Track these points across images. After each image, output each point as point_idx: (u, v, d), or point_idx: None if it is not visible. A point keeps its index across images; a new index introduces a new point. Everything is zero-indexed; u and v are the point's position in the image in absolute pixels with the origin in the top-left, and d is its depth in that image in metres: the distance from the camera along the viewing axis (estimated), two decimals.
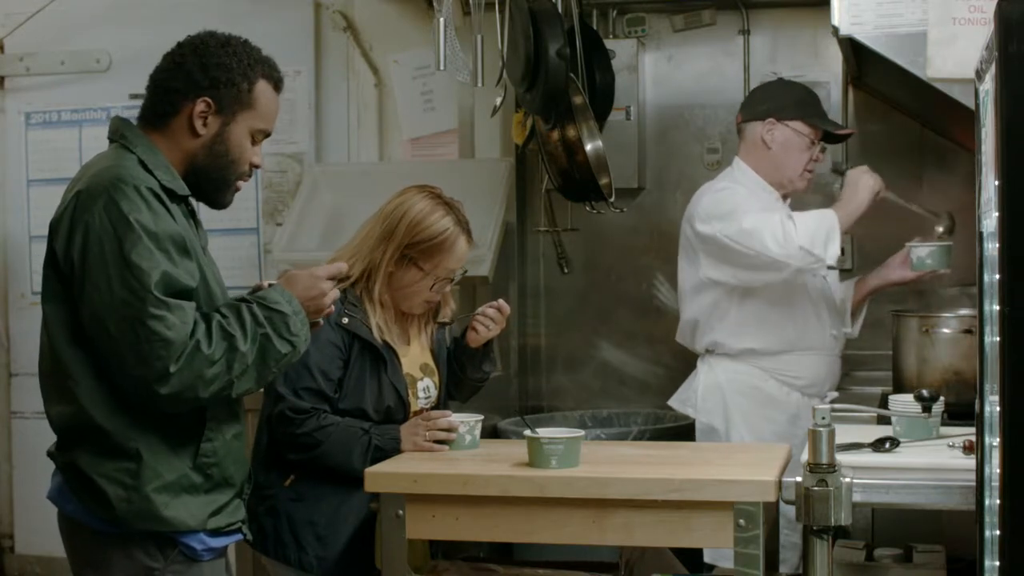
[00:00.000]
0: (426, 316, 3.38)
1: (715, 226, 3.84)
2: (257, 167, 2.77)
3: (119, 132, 2.71)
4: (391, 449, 3.14)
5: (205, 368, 2.50)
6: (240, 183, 2.77)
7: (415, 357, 3.34)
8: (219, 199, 2.75)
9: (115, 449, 2.56)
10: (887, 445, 2.92)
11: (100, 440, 2.56)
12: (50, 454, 2.69)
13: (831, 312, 4.06)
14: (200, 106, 2.66)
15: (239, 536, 2.77)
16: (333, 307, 2.75)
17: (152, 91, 2.72)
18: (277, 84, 2.77)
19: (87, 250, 2.51)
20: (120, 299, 2.48)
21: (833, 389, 4.08)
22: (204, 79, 2.66)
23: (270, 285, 2.69)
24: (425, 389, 3.33)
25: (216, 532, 2.68)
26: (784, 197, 4.04)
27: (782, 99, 4.03)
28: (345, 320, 3.17)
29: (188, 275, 2.57)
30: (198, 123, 2.67)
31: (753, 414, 3.95)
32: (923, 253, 3.92)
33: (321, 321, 2.75)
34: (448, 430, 3.17)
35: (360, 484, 2.96)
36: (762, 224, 3.75)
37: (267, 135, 2.77)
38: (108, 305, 2.49)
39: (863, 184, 3.84)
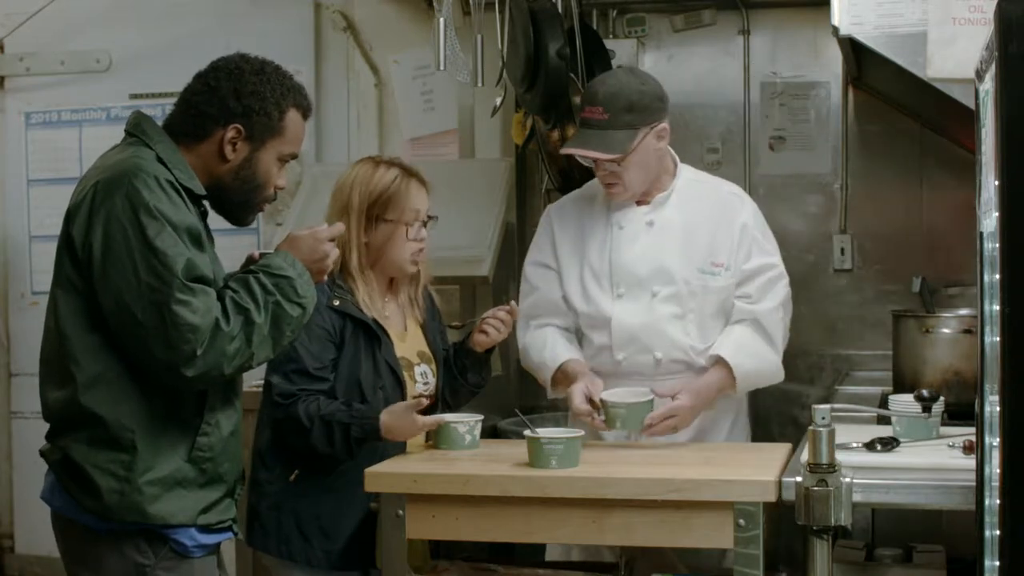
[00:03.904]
0: (413, 289, 3.39)
1: None
2: (281, 188, 2.81)
3: (140, 127, 2.72)
4: (374, 435, 3.10)
5: (227, 345, 2.55)
6: (264, 205, 2.81)
7: (412, 343, 3.34)
8: (242, 218, 2.80)
9: (110, 440, 2.58)
10: (878, 447, 2.92)
11: (96, 429, 2.58)
12: (42, 452, 2.71)
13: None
14: (231, 132, 2.69)
15: (230, 534, 2.79)
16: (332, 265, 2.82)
17: (183, 110, 2.73)
18: (306, 112, 2.80)
19: (109, 237, 2.54)
20: (147, 285, 2.51)
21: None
22: (238, 106, 2.69)
23: (262, 255, 2.74)
24: (423, 375, 3.33)
25: (207, 529, 2.69)
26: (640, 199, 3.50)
27: None
28: (336, 302, 3.19)
29: (205, 266, 2.60)
30: (228, 149, 2.70)
31: None
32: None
33: (325, 278, 2.82)
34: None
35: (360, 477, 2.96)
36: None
37: (294, 157, 2.81)
38: (134, 291, 2.52)
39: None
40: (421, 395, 3.31)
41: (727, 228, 3.47)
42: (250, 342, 2.58)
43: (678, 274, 3.43)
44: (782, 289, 3.50)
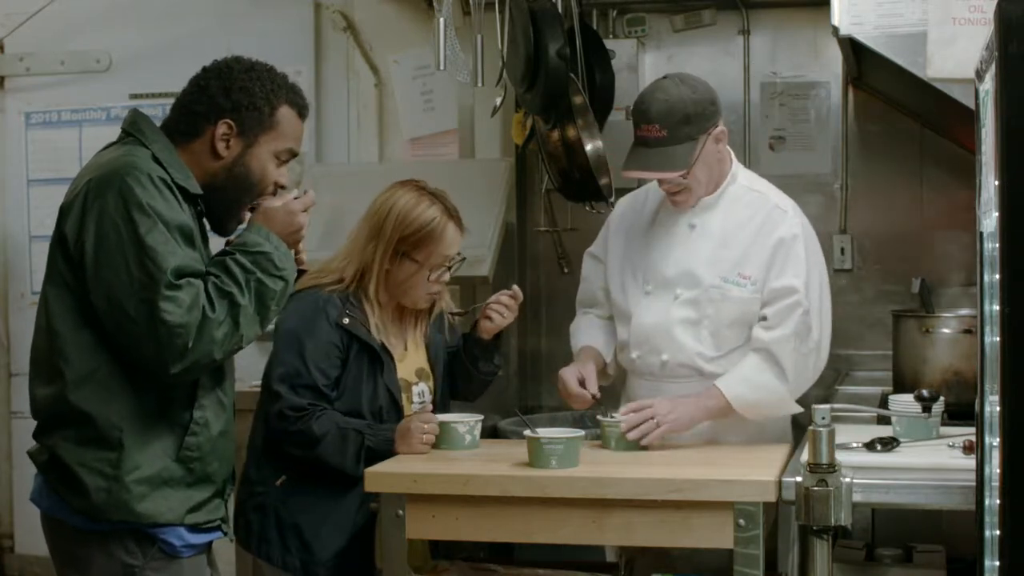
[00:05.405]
0: (422, 315, 3.38)
1: None
2: (283, 187, 2.79)
3: (136, 126, 2.72)
4: (384, 451, 3.13)
5: (215, 332, 2.55)
6: (245, 212, 2.77)
7: (411, 362, 3.34)
8: (225, 223, 2.78)
9: (98, 438, 2.59)
10: (878, 447, 2.92)
11: (83, 427, 2.59)
12: (30, 453, 2.72)
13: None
14: (222, 128, 2.69)
15: (219, 534, 2.78)
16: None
17: (177, 112, 2.75)
18: (301, 111, 2.79)
19: (101, 234, 2.54)
20: (138, 282, 2.52)
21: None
22: (227, 103, 2.69)
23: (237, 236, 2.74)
24: (420, 394, 3.33)
25: (195, 528, 2.69)
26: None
27: None
28: (346, 320, 3.19)
29: (196, 262, 2.61)
30: (220, 145, 2.70)
31: None
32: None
33: (303, 255, 2.81)
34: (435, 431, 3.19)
35: (352, 489, 2.96)
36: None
37: (294, 155, 2.80)
38: (126, 288, 2.52)
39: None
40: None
41: (763, 242, 3.36)
42: (238, 324, 2.59)
43: (702, 280, 3.37)
44: (795, 319, 3.30)
